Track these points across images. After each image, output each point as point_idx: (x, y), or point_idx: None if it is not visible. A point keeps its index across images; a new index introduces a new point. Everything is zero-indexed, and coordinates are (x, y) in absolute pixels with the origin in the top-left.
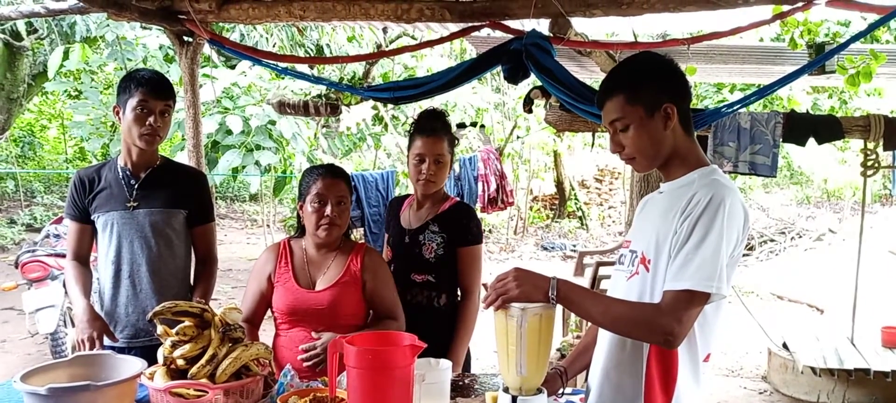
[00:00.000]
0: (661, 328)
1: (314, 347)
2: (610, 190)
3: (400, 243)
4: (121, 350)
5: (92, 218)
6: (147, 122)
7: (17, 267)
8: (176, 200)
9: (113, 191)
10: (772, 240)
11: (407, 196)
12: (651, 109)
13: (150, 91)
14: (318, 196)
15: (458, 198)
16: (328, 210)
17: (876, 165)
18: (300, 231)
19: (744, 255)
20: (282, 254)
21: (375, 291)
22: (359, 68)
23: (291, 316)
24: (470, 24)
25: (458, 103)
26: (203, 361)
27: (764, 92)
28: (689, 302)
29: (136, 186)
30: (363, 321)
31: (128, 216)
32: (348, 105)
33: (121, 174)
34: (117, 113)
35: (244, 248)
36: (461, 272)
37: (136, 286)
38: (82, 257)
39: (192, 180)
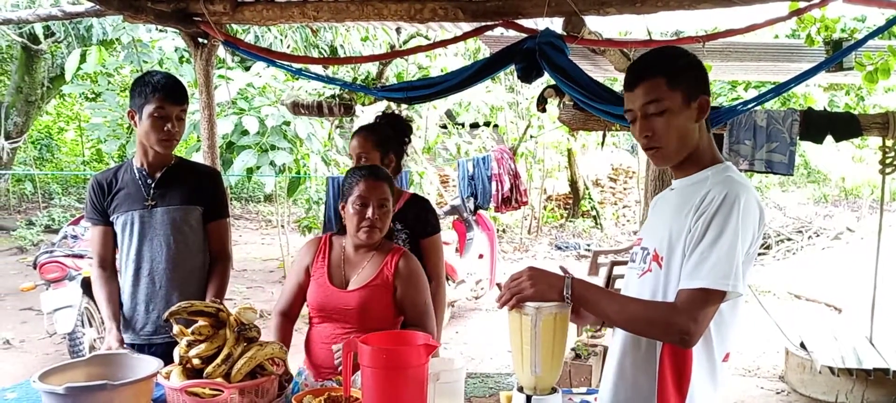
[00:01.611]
0: (676, 327)
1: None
2: (624, 189)
3: None
4: (140, 348)
5: (111, 219)
6: (165, 128)
7: (35, 268)
8: (192, 197)
9: (130, 191)
10: (789, 239)
11: None
12: (689, 98)
13: (166, 97)
14: (361, 198)
15: (410, 193)
16: (369, 213)
17: (895, 163)
18: (342, 228)
19: (760, 254)
20: (321, 248)
21: (405, 297)
22: (372, 68)
23: (321, 312)
24: (483, 24)
25: (472, 103)
26: (218, 360)
27: (780, 89)
28: (705, 300)
29: (152, 185)
30: (392, 324)
31: (147, 215)
32: (362, 104)
33: (137, 174)
34: (132, 116)
35: (259, 249)
36: (426, 262)
37: (156, 283)
38: (108, 262)
39: (207, 177)
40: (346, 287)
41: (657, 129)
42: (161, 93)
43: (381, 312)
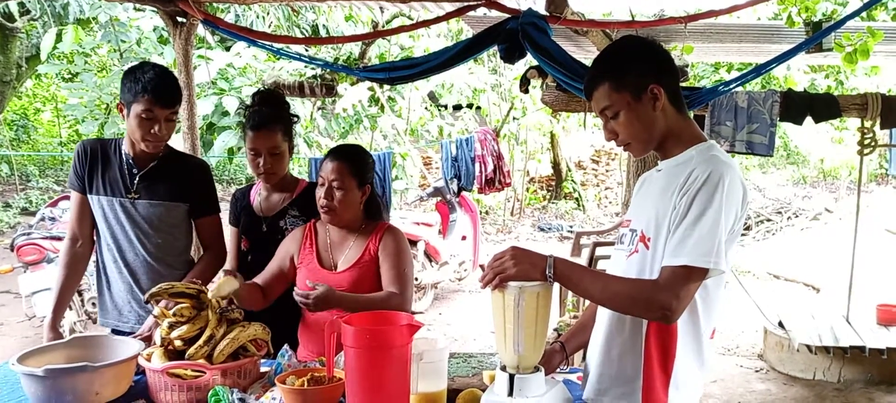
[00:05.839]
0: (658, 304)
1: (308, 295)
2: (606, 170)
3: (257, 232)
4: (126, 336)
5: (91, 195)
6: (151, 131)
7: (13, 251)
8: (177, 193)
9: (115, 176)
10: (768, 220)
11: (250, 186)
12: (638, 93)
13: (155, 100)
14: (318, 178)
15: (307, 180)
16: (322, 194)
17: (873, 144)
18: None
19: (741, 234)
20: (307, 236)
21: (383, 263)
22: (355, 49)
23: None
24: (466, 4)
25: (454, 84)
26: (201, 342)
27: (760, 70)
28: (687, 277)
29: (137, 176)
30: None
31: (128, 205)
32: (343, 85)
33: (124, 161)
34: (121, 109)
35: None
36: None
37: (135, 275)
38: (78, 238)
39: (194, 171)
40: (335, 269)
41: (618, 130)
42: (150, 96)
43: (371, 290)
